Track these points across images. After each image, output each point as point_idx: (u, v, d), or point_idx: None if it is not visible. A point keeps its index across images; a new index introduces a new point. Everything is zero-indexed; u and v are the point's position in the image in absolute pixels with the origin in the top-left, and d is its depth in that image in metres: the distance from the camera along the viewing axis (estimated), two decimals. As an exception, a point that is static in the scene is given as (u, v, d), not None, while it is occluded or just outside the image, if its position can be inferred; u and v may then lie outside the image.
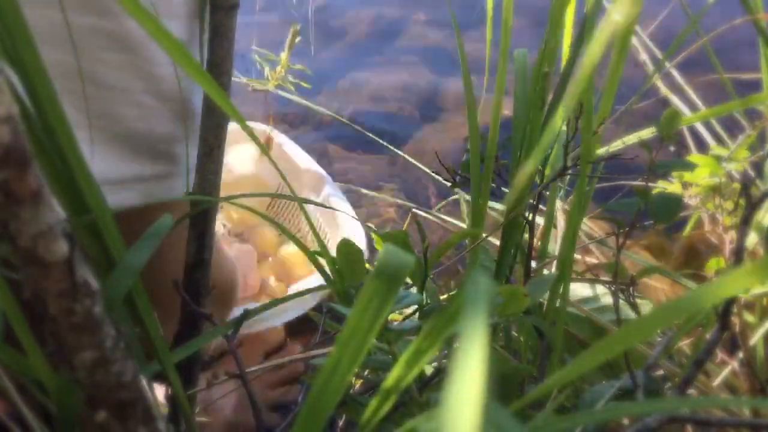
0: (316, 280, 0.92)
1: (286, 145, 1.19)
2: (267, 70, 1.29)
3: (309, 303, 0.91)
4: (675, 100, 1.02)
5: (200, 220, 0.45)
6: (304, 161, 1.17)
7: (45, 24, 0.36)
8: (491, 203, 0.91)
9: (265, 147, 1.14)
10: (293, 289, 0.94)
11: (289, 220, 1.21)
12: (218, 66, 0.42)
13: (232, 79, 0.47)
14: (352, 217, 1.03)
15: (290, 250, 1.13)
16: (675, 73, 1.04)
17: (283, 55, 1.29)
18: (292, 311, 0.91)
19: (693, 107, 1.00)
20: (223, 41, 0.42)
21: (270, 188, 1.20)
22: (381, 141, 1.33)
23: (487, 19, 0.61)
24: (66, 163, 0.25)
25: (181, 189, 0.49)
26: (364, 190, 1.27)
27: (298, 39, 1.28)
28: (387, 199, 1.25)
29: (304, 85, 1.32)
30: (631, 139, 0.77)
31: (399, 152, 1.31)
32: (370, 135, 1.35)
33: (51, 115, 0.24)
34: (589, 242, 0.94)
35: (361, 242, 0.97)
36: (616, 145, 0.80)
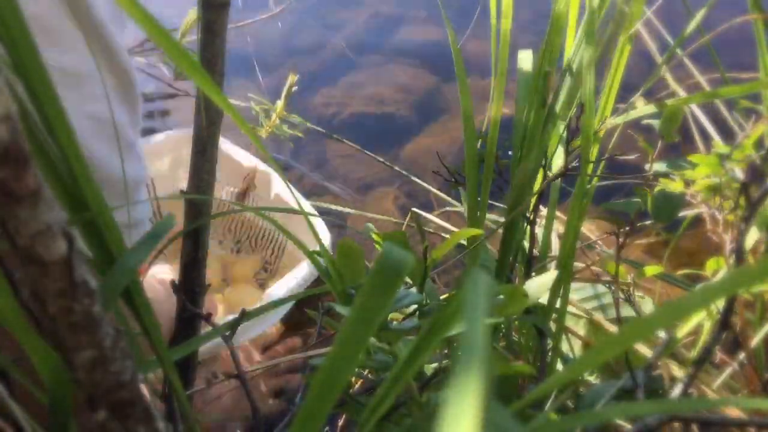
0: (302, 270, 0.89)
1: (223, 144, 1.11)
2: (261, 117, 1.27)
3: (298, 290, 0.89)
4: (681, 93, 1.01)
5: (195, 218, 0.45)
6: (245, 158, 1.09)
7: None
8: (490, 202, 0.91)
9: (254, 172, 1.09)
10: (282, 282, 0.91)
11: (251, 226, 1.16)
12: (211, 64, 0.41)
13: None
14: (305, 205, 0.99)
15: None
16: (671, 74, 1.04)
17: (279, 104, 1.27)
18: (282, 308, 0.89)
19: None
20: (215, 39, 0.40)
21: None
22: (381, 142, 1.33)
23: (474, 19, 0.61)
24: (65, 161, 0.25)
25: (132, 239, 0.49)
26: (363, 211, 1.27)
27: (294, 88, 1.26)
28: (387, 201, 1.25)
29: (298, 134, 1.31)
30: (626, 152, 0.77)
31: (400, 153, 1.31)
32: (370, 135, 1.35)
33: (50, 113, 0.24)
34: (588, 243, 0.94)
35: (324, 237, 0.93)
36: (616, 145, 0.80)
